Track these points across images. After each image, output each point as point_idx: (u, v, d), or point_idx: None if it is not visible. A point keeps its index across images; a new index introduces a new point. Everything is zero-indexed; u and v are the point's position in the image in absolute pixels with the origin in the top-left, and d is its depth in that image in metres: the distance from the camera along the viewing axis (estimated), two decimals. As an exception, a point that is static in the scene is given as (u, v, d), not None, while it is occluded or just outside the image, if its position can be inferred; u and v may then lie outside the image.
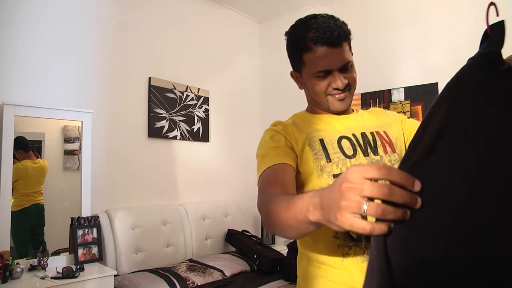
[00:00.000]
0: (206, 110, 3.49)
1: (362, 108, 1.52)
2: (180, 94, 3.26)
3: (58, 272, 2.12)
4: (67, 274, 2.08)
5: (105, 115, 2.74)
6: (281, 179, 0.89)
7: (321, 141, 0.99)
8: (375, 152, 1.00)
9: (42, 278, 2.05)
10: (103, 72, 2.77)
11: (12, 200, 2.27)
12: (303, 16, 1.01)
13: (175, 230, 2.91)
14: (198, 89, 3.43)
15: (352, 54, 1.01)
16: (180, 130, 3.25)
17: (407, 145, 1.02)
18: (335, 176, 0.94)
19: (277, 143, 0.97)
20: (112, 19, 2.84)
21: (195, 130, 3.38)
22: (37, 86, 2.40)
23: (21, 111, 2.24)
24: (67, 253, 2.41)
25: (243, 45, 4.01)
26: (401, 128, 1.08)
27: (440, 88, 1.00)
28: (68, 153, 2.56)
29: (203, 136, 3.45)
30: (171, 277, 2.43)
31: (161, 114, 3.10)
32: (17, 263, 2.10)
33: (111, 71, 2.82)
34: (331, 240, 0.93)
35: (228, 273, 2.67)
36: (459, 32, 2.82)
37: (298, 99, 4.36)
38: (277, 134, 1.00)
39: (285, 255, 2.89)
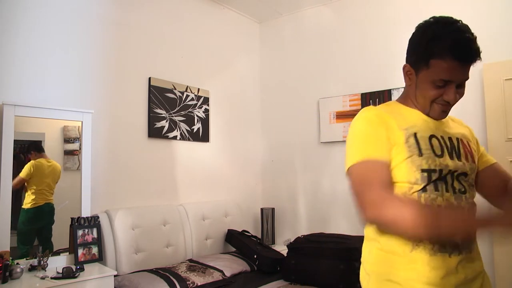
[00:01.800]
0: (206, 110, 3.49)
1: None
2: (180, 94, 3.26)
3: (58, 272, 2.12)
4: (67, 274, 2.08)
5: (105, 115, 2.74)
6: (384, 179, 0.96)
7: (415, 135, 1.02)
8: (459, 158, 1.04)
9: (42, 278, 2.05)
10: (103, 72, 2.77)
11: (26, 197, 2.34)
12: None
13: (175, 230, 2.91)
14: (198, 89, 3.43)
15: None
16: (180, 130, 3.25)
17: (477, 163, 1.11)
18: (423, 170, 0.97)
19: (375, 132, 1.01)
20: (112, 19, 2.84)
21: (195, 130, 3.38)
22: (37, 86, 2.41)
23: (21, 111, 2.24)
24: (67, 253, 2.41)
25: (243, 45, 4.01)
26: (477, 147, 1.15)
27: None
28: (68, 153, 2.56)
29: (203, 136, 3.45)
30: (171, 277, 2.43)
31: (161, 114, 3.10)
32: (17, 263, 2.10)
33: (111, 71, 2.82)
34: None
35: (228, 273, 2.67)
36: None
37: (298, 99, 4.32)
38: (374, 124, 1.03)
39: (285, 255, 2.89)
